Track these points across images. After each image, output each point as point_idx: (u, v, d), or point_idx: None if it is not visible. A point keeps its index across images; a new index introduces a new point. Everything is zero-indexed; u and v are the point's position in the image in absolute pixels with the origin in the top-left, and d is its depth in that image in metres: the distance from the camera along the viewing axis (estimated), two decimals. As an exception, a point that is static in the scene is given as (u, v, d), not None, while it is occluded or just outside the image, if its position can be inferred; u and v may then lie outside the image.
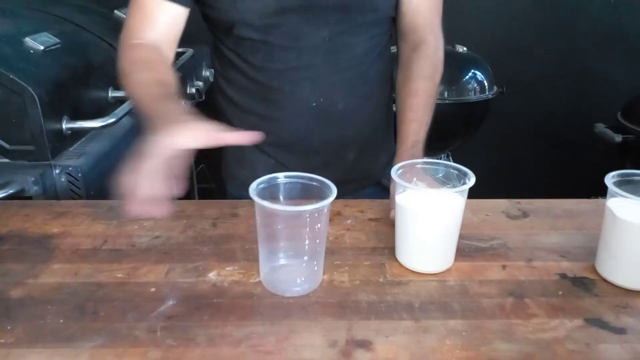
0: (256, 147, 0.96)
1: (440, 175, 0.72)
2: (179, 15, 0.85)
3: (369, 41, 0.90)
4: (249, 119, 0.95)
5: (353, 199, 0.88)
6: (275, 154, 0.95)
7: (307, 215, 0.61)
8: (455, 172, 0.70)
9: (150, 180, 0.61)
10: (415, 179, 0.71)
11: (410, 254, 0.69)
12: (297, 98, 0.89)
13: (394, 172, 0.68)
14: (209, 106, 1.03)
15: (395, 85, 0.97)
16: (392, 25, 0.95)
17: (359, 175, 0.99)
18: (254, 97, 0.92)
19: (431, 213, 0.66)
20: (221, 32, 0.90)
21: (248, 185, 0.87)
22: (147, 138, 0.63)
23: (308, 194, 0.65)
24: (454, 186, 0.69)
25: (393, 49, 0.98)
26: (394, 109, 0.98)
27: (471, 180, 0.66)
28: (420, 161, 0.74)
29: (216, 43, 0.94)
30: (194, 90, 1.79)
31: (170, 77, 0.79)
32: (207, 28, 0.93)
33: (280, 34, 0.84)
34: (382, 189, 0.98)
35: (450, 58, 1.86)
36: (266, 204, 0.60)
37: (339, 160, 0.96)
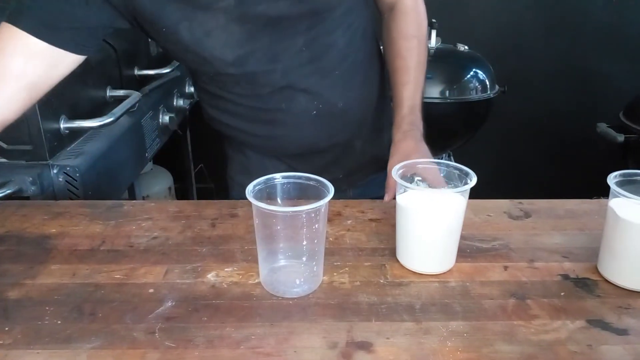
0: (264, 157, 0.94)
1: (442, 175, 0.71)
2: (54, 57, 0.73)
3: (347, 32, 0.85)
4: (252, 140, 0.92)
5: (365, 187, 0.86)
6: (284, 159, 0.94)
7: (304, 216, 0.61)
8: (457, 172, 0.69)
9: None
10: (416, 178, 0.70)
11: (411, 255, 0.68)
12: (296, 112, 0.86)
13: (395, 172, 0.67)
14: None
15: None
16: (364, 4, 0.90)
17: (369, 159, 0.97)
18: (252, 121, 0.89)
19: (432, 213, 0.66)
20: (197, 70, 0.87)
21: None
22: None
23: (305, 194, 0.64)
24: (456, 186, 0.69)
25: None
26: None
27: (473, 180, 0.65)
28: (422, 161, 0.73)
29: (194, 75, 0.90)
30: (192, 89, 1.78)
31: None
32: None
33: (256, 61, 0.81)
34: None
35: (452, 57, 1.87)
36: (263, 205, 0.59)
37: (348, 153, 0.94)
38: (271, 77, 0.83)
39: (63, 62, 0.75)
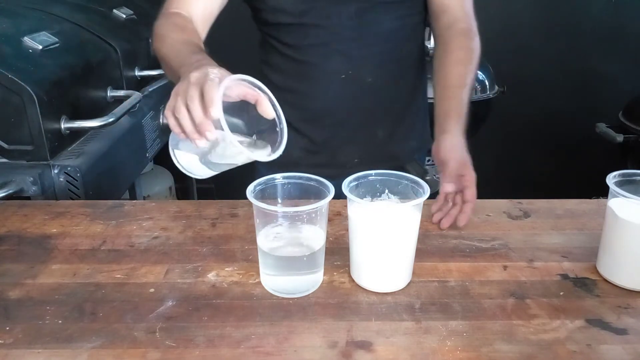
0: (289, 126, 0.98)
1: (400, 187, 0.67)
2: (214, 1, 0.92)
3: (397, 20, 0.93)
4: (283, 96, 0.99)
5: None
6: (307, 130, 0.99)
7: (305, 216, 0.61)
8: (411, 184, 0.66)
9: (188, 101, 0.62)
10: (387, 190, 0.67)
11: (356, 270, 0.66)
12: (328, 70, 0.94)
13: (345, 185, 0.64)
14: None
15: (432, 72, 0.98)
16: (423, 10, 0.97)
17: (388, 155, 1.00)
18: (289, 75, 0.98)
19: (375, 227, 0.62)
20: (265, 23, 0.97)
21: (281, 165, 0.90)
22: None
23: (306, 194, 0.65)
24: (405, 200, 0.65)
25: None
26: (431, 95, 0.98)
27: (426, 193, 0.61)
28: (374, 172, 0.68)
29: (263, 36, 1.02)
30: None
31: (199, 40, 0.84)
32: (257, 27, 1.00)
33: (312, 15, 0.91)
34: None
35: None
36: (263, 205, 0.60)
37: (368, 136, 0.99)
38: (319, 31, 0.92)
39: (217, 4, 0.91)
